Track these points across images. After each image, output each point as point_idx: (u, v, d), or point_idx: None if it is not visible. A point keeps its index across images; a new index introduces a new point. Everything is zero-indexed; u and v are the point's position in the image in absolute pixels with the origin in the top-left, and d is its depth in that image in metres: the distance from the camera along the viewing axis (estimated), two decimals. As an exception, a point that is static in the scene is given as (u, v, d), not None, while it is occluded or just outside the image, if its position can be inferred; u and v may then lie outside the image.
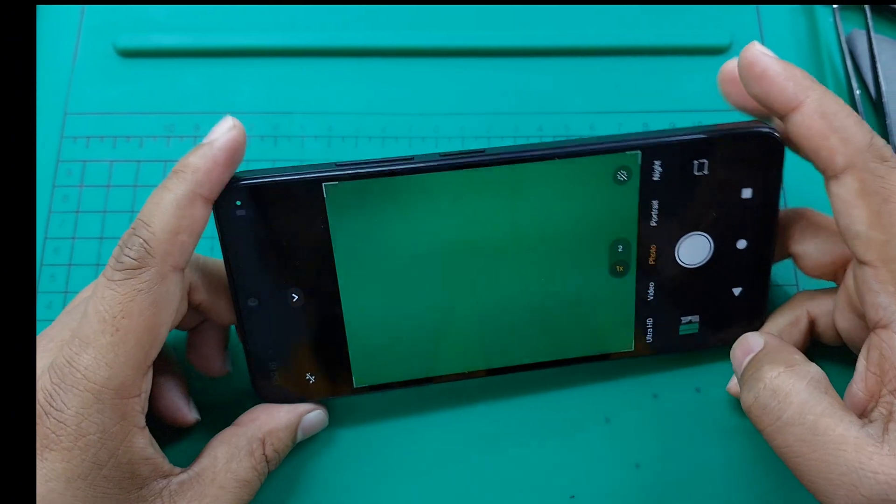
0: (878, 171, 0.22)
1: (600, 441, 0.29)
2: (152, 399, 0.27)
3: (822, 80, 0.34)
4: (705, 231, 0.27)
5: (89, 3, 0.36)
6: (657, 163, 0.26)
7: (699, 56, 0.35)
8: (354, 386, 0.28)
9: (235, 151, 0.24)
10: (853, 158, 0.22)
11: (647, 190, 0.26)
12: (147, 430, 0.23)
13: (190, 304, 0.26)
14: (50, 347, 0.24)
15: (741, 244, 0.27)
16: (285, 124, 0.34)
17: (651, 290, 0.28)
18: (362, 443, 0.29)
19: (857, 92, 0.34)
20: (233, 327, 0.30)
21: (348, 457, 0.29)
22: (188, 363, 0.28)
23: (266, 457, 0.26)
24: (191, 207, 0.23)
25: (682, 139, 0.26)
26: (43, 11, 0.36)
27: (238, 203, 0.25)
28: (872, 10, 0.36)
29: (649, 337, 0.28)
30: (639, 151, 0.26)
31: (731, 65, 0.25)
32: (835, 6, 0.36)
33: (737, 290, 0.28)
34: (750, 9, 0.36)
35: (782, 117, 0.24)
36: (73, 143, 0.33)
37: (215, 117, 0.33)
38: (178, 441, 0.29)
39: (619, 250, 0.27)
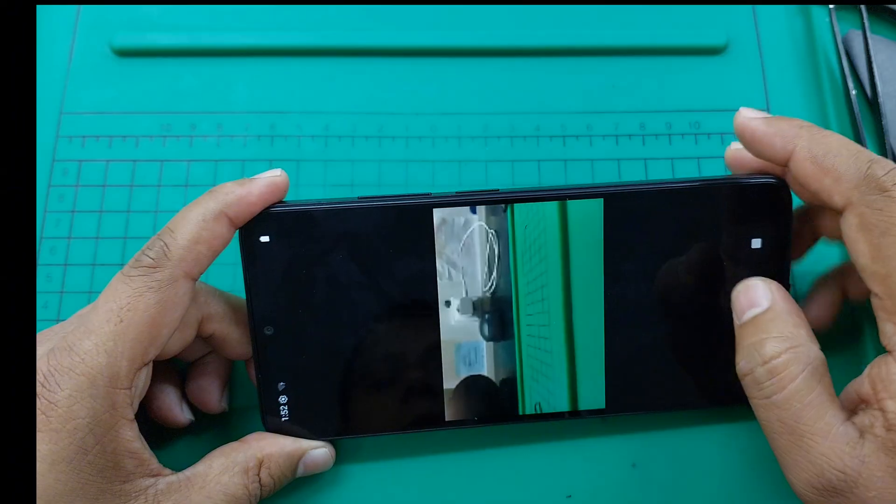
0: (876, 203, 0.22)
1: (597, 441, 0.29)
2: (147, 399, 0.27)
3: (818, 80, 0.35)
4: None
5: (85, 3, 0.36)
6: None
7: (696, 56, 0.35)
8: (363, 428, 0.27)
9: (272, 191, 0.25)
10: (848, 196, 0.22)
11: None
12: (135, 425, 0.24)
13: (202, 333, 0.26)
14: (50, 337, 0.24)
15: None
16: (282, 124, 0.34)
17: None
18: (356, 448, 0.29)
19: (854, 92, 0.34)
20: (238, 365, 0.30)
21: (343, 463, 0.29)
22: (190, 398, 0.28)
23: (259, 479, 0.25)
24: (214, 222, 0.24)
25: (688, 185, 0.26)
26: (39, 11, 0.35)
27: (262, 229, 0.26)
28: (868, 11, 0.36)
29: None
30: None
31: (730, 150, 0.27)
32: (831, 6, 0.36)
33: None
34: (746, 9, 0.36)
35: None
36: (68, 143, 0.33)
37: (212, 117, 0.34)
38: (179, 446, 0.29)
39: None
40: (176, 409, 0.27)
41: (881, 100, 0.34)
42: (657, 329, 0.27)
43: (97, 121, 0.34)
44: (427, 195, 0.26)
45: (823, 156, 0.23)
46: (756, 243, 0.26)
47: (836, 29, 0.36)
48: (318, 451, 0.27)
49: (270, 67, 0.35)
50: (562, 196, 0.26)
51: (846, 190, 0.22)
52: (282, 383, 0.27)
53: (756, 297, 0.24)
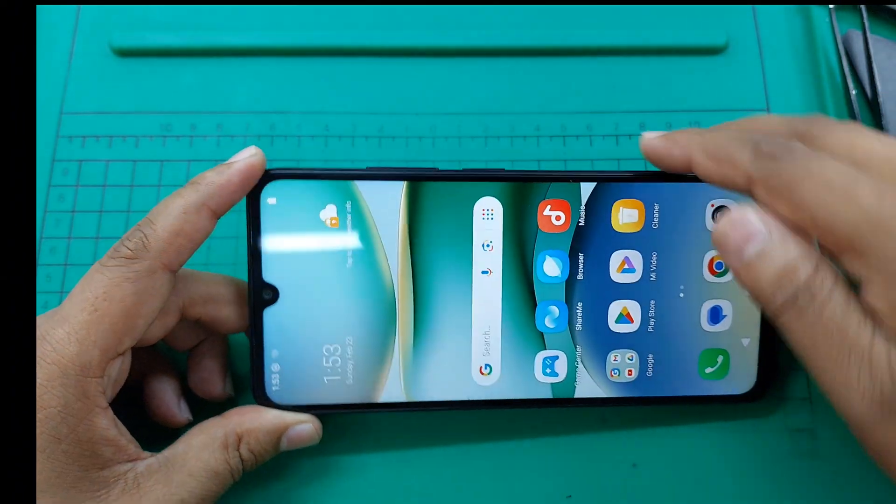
0: (771, 169, 0.22)
1: (597, 441, 0.29)
2: (146, 400, 0.27)
3: (818, 80, 0.35)
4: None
5: (85, 3, 0.36)
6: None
7: (696, 56, 0.35)
8: (354, 401, 0.27)
9: (251, 176, 0.25)
10: (747, 173, 0.22)
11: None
12: (110, 412, 0.23)
13: (188, 317, 0.26)
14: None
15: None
16: (282, 124, 0.34)
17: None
18: (350, 442, 0.29)
19: (854, 92, 0.34)
20: (238, 365, 0.30)
21: (334, 455, 0.29)
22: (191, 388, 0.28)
23: (240, 454, 0.25)
24: (196, 214, 0.24)
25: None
26: (39, 11, 0.35)
27: (271, 191, 0.26)
28: (868, 11, 0.36)
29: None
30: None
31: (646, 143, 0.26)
32: (831, 6, 0.36)
33: (745, 341, 0.28)
34: (746, 9, 0.36)
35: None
36: (68, 143, 0.33)
37: (212, 117, 0.34)
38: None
39: None
40: (174, 409, 0.27)
41: (881, 100, 0.34)
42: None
43: (97, 121, 0.34)
44: (433, 169, 0.27)
45: (716, 149, 0.23)
46: None
47: (836, 29, 0.36)
48: (302, 427, 0.26)
49: (270, 67, 0.35)
50: (553, 178, 0.27)
51: (744, 171, 0.23)
52: (275, 351, 0.26)
53: (752, 229, 0.22)
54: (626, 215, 0.27)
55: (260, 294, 0.26)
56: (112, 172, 0.33)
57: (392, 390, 0.27)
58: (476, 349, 0.27)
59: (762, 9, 0.36)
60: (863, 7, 0.35)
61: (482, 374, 0.28)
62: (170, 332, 0.27)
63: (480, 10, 0.36)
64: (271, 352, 0.26)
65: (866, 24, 0.35)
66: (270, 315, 0.26)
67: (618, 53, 0.35)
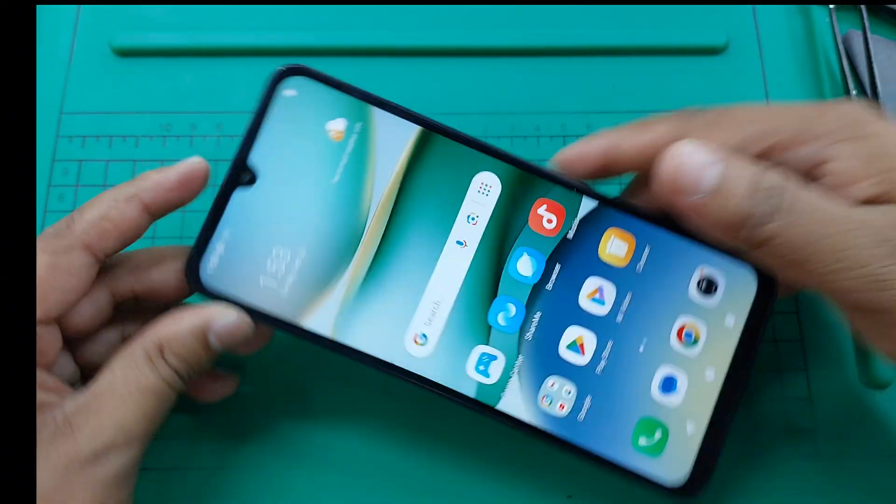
0: (698, 114, 0.24)
1: (597, 441, 0.29)
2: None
3: (818, 80, 0.35)
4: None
5: (85, 3, 0.36)
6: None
7: (695, 56, 0.35)
8: (277, 315, 0.25)
9: (190, 180, 0.25)
10: (676, 117, 0.25)
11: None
12: None
13: (121, 296, 0.26)
14: None
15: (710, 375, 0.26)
16: (282, 124, 0.34)
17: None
18: (355, 443, 0.29)
19: (854, 92, 0.34)
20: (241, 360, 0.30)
21: (334, 461, 0.29)
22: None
23: (168, 363, 0.24)
24: (125, 203, 0.25)
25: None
26: (39, 11, 0.35)
27: (293, 84, 0.26)
28: (869, 11, 0.36)
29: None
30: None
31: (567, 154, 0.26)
32: (831, 6, 0.36)
33: (690, 427, 0.26)
34: (746, 9, 0.36)
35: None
36: (69, 143, 0.33)
37: (212, 116, 0.34)
38: (178, 440, 0.29)
39: None
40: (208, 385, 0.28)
41: (881, 100, 0.34)
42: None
43: (97, 121, 0.34)
44: (453, 129, 0.26)
45: (636, 123, 0.25)
46: (730, 320, 0.26)
47: (836, 29, 0.36)
48: (226, 318, 0.24)
49: (270, 67, 0.35)
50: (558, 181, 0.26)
51: (673, 120, 0.25)
52: (228, 231, 0.26)
53: (704, 159, 0.22)
54: (615, 245, 0.26)
55: (238, 173, 0.26)
56: (112, 172, 0.33)
57: (320, 320, 0.26)
58: (420, 315, 0.26)
59: (762, 9, 0.36)
60: (863, 7, 0.35)
61: (416, 342, 0.26)
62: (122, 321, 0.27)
63: (481, 10, 0.36)
64: (224, 231, 0.25)
65: (866, 24, 0.35)
66: (239, 196, 0.26)
67: (618, 53, 0.35)
